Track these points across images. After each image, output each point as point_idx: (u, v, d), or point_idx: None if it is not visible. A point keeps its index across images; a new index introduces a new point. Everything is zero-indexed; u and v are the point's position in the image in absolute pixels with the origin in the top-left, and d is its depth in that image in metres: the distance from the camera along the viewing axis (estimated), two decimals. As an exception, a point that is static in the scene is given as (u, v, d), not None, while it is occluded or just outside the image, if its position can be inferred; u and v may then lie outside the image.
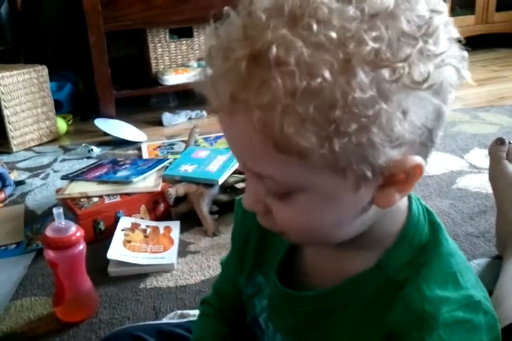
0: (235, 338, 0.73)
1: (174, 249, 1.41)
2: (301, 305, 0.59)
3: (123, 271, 1.33)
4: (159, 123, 2.51)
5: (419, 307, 0.50)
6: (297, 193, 0.48)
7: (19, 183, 1.90)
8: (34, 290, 1.29)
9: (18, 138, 2.28)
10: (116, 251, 1.36)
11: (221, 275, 0.80)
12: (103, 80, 2.43)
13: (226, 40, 0.45)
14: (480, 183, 1.67)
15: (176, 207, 1.59)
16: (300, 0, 0.42)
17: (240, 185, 1.70)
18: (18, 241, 1.51)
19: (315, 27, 0.41)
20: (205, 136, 2.20)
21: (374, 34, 0.41)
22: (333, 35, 0.41)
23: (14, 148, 2.27)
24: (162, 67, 2.67)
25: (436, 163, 1.81)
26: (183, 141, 2.16)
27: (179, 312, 1.11)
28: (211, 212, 1.56)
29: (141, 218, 1.55)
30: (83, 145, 2.24)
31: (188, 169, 1.67)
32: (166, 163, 1.75)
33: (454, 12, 3.11)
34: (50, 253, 1.11)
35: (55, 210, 1.10)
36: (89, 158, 2.14)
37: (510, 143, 1.28)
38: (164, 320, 1.10)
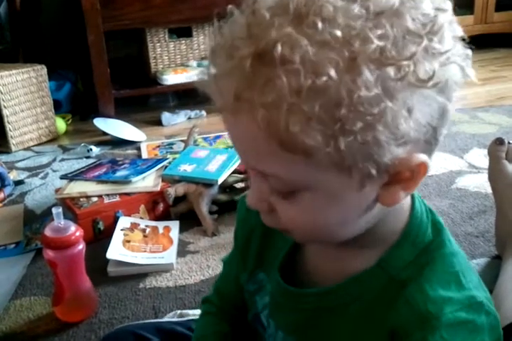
0: (237, 336, 0.74)
1: (173, 248, 1.41)
2: (303, 303, 0.59)
3: (122, 271, 1.33)
4: (158, 122, 2.51)
5: (422, 307, 0.50)
6: (302, 192, 0.48)
7: (18, 183, 1.90)
8: (33, 290, 1.29)
9: (17, 137, 2.27)
10: (116, 250, 1.36)
11: (223, 273, 0.80)
12: (102, 80, 2.43)
13: (230, 39, 0.44)
14: (479, 183, 1.67)
15: (175, 207, 1.59)
16: None
17: (240, 185, 1.70)
18: (17, 241, 1.51)
19: (320, 25, 0.41)
20: (205, 135, 2.20)
21: (379, 32, 0.42)
22: (338, 33, 0.41)
23: (13, 148, 2.26)
24: (161, 66, 2.67)
25: (436, 163, 1.81)
26: (182, 141, 2.16)
27: (178, 312, 1.11)
28: (210, 212, 1.56)
29: (141, 218, 1.55)
30: (82, 144, 2.24)
31: (187, 169, 1.66)
32: (165, 163, 1.75)
33: (453, 12, 3.11)
34: (49, 253, 1.11)
35: (54, 210, 1.10)
36: (88, 157, 2.14)
37: (509, 143, 1.28)
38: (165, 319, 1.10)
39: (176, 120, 2.52)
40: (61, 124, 2.47)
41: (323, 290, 0.58)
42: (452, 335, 0.49)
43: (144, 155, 2.11)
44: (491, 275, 1.12)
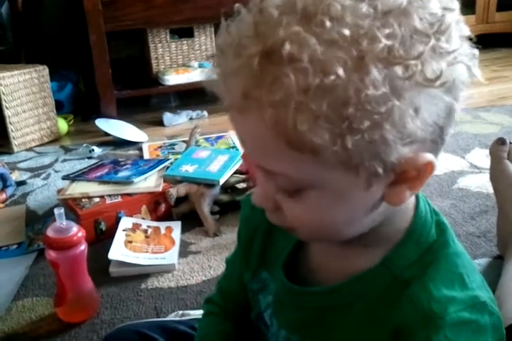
0: (240, 336, 0.74)
1: (175, 249, 1.41)
2: (307, 301, 0.60)
3: (124, 272, 1.33)
4: (160, 123, 2.51)
5: (426, 306, 0.50)
6: (308, 190, 0.48)
7: (20, 183, 1.91)
8: (35, 291, 1.29)
9: (19, 138, 2.28)
10: (118, 251, 1.36)
11: (226, 272, 0.80)
12: (104, 80, 2.44)
13: (237, 37, 0.44)
14: (481, 183, 1.67)
15: (177, 208, 1.59)
16: None
17: (241, 185, 1.70)
18: (19, 242, 1.51)
19: (328, 24, 0.41)
20: (206, 136, 2.20)
21: (387, 31, 0.42)
22: (347, 32, 0.41)
23: (15, 149, 2.27)
24: (163, 67, 2.67)
25: (437, 163, 1.80)
26: (184, 141, 2.16)
27: (180, 312, 1.11)
28: (212, 212, 1.56)
29: (142, 218, 1.55)
30: (84, 145, 2.24)
31: (189, 169, 1.67)
32: (167, 163, 1.76)
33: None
34: (51, 254, 1.11)
35: (56, 210, 1.10)
36: (90, 158, 2.14)
37: (511, 143, 1.28)
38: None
39: (177, 120, 2.52)
40: (63, 125, 2.47)
41: (327, 288, 0.58)
42: (456, 335, 0.49)
43: (146, 155, 2.11)
44: (492, 276, 1.12)
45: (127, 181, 1.60)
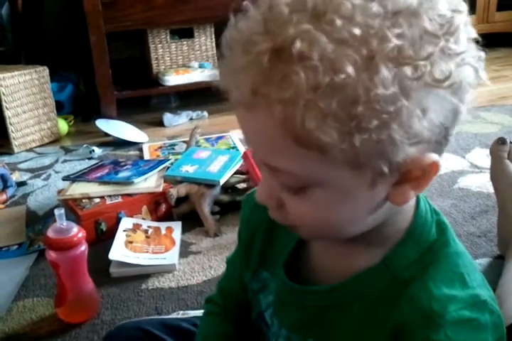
0: (240, 336, 0.74)
1: (176, 249, 1.41)
2: (308, 300, 0.60)
3: (125, 272, 1.33)
4: (160, 123, 2.51)
5: (426, 305, 0.50)
6: (313, 188, 0.48)
7: (21, 184, 1.91)
8: (36, 291, 1.29)
9: (19, 139, 2.28)
10: (118, 251, 1.36)
11: (226, 272, 0.80)
12: (104, 81, 2.44)
13: (246, 34, 0.45)
14: (481, 183, 1.67)
15: (177, 208, 1.59)
16: None
17: (241, 186, 1.70)
18: (20, 242, 1.51)
19: (338, 23, 0.41)
20: (206, 136, 2.21)
21: (397, 31, 0.42)
22: (357, 31, 0.41)
23: (16, 149, 2.27)
24: (163, 67, 2.67)
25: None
26: (184, 142, 2.16)
27: (181, 312, 1.11)
28: (213, 213, 1.56)
29: (143, 219, 1.55)
30: (84, 146, 2.25)
31: (189, 169, 1.67)
32: (167, 164, 1.76)
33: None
34: (51, 254, 1.11)
35: (56, 211, 1.10)
36: (90, 158, 2.14)
37: (511, 142, 1.28)
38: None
39: (177, 121, 2.52)
40: (63, 125, 2.48)
41: (328, 287, 0.58)
42: (456, 333, 0.49)
43: (146, 156, 2.11)
44: (493, 275, 1.12)
45: (127, 181, 1.60)
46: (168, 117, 2.52)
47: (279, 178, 0.49)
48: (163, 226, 1.53)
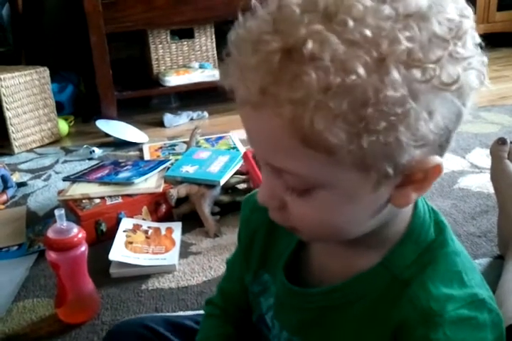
0: (241, 338, 0.74)
1: (176, 250, 1.41)
2: (308, 302, 0.60)
3: (125, 272, 1.33)
4: (161, 124, 2.52)
5: (425, 304, 0.51)
6: (317, 190, 0.48)
7: (21, 185, 1.91)
8: (36, 292, 1.29)
9: (19, 139, 2.28)
10: (118, 252, 1.36)
11: (227, 274, 0.80)
12: (104, 81, 2.44)
13: (255, 33, 0.44)
14: (481, 183, 1.67)
15: (177, 208, 1.59)
16: None
17: (242, 186, 1.70)
18: (20, 243, 1.51)
19: (350, 24, 0.41)
20: (207, 136, 2.21)
21: (408, 34, 0.42)
22: (368, 32, 0.41)
23: (16, 150, 2.27)
24: (163, 68, 2.67)
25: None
26: (184, 142, 2.16)
27: (181, 313, 1.11)
28: (213, 213, 1.56)
29: (143, 219, 1.55)
30: (85, 146, 2.25)
31: (189, 170, 1.67)
32: (167, 164, 1.76)
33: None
34: (51, 255, 1.11)
35: (56, 212, 1.10)
36: (90, 159, 2.15)
37: (511, 142, 1.28)
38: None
39: (178, 121, 2.52)
40: (63, 126, 2.48)
41: (328, 289, 0.58)
42: (455, 332, 0.50)
43: (146, 156, 2.11)
44: (493, 276, 1.12)
45: (128, 182, 1.60)
46: (168, 117, 2.52)
47: (283, 179, 0.49)
48: (163, 226, 1.53)
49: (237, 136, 2.18)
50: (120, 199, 1.55)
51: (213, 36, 2.69)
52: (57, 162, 2.16)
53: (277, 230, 0.65)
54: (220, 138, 2.20)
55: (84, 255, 1.14)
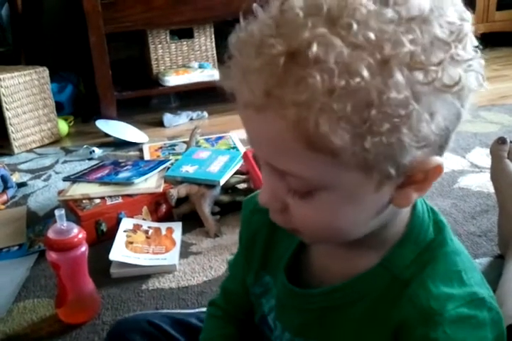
0: (243, 339, 0.74)
1: (176, 249, 1.41)
2: (309, 303, 0.60)
3: (125, 272, 1.33)
4: (160, 124, 2.51)
5: (425, 304, 0.51)
6: (320, 191, 0.48)
7: (21, 185, 1.91)
8: (37, 292, 1.29)
9: (19, 139, 2.28)
10: (119, 252, 1.36)
11: (229, 275, 0.80)
12: (104, 81, 2.44)
13: (258, 36, 0.45)
14: (482, 182, 1.67)
15: (177, 208, 1.59)
16: (338, 0, 0.43)
17: (242, 186, 1.70)
18: (20, 243, 1.51)
19: (354, 27, 0.42)
20: (207, 136, 2.21)
21: (410, 37, 0.43)
22: (372, 36, 0.42)
23: (16, 150, 2.27)
24: (163, 68, 2.67)
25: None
26: (184, 142, 2.16)
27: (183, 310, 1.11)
28: (213, 213, 1.56)
29: (143, 219, 1.55)
30: (84, 146, 2.25)
31: (189, 170, 1.67)
32: (167, 164, 1.76)
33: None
34: (52, 255, 1.11)
35: (57, 212, 1.10)
36: (90, 159, 2.14)
37: (511, 142, 1.28)
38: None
39: (177, 121, 2.52)
40: (63, 126, 2.48)
41: (329, 289, 0.58)
42: (455, 331, 0.50)
43: (146, 156, 2.11)
44: (493, 275, 1.12)
45: (128, 182, 1.60)
46: (168, 117, 2.52)
47: (285, 182, 0.49)
48: (163, 226, 1.53)
49: (237, 135, 2.18)
50: (120, 200, 1.55)
51: (213, 36, 2.69)
52: (57, 162, 2.16)
53: (278, 232, 0.65)
54: (220, 138, 2.20)
55: (85, 255, 1.14)
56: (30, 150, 2.31)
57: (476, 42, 0.48)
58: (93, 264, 1.20)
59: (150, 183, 1.62)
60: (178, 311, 1.08)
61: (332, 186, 0.47)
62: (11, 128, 2.23)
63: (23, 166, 2.14)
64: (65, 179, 1.76)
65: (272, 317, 0.66)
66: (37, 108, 2.33)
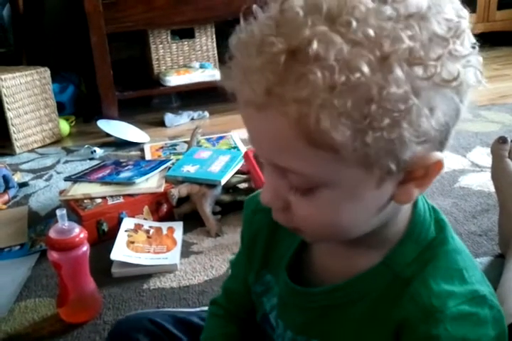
0: (245, 338, 0.74)
1: (177, 249, 1.42)
2: (310, 301, 0.60)
3: (126, 272, 1.33)
4: (162, 124, 2.52)
5: (426, 301, 0.51)
6: (321, 188, 0.48)
7: (22, 185, 1.91)
8: (38, 292, 1.29)
9: (21, 140, 2.28)
10: (120, 252, 1.36)
11: (231, 274, 0.81)
12: (105, 82, 2.44)
13: (259, 36, 0.45)
14: (482, 182, 1.67)
15: (178, 208, 1.59)
16: None
17: (243, 185, 1.70)
18: (21, 243, 1.51)
19: (353, 24, 0.42)
20: (208, 136, 2.21)
21: (409, 33, 0.43)
22: (371, 32, 0.42)
23: (17, 150, 2.27)
24: (164, 68, 2.67)
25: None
26: (185, 142, 2.17)
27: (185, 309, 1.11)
28: (214, 213, 1.56)
29: (144, 219, 1.56)
30: (86, 146, 2.25)
31: (190, 170, 1.67)
32: (168, 164, 1.76)
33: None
34: (53, 255, 1.11)
35: (58, 212, 1.10)
36: (92, 159, 2.15)
37: (512, 141, 1.28)
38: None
39: (179, 121, 2.53)
40: (65, 126, 2.48)
41: (330, 288, 0.58)
42: (456, 328, 0.50)
43: (148, 156, 2.12)
44: (494, 274, 1.12)
45: (129, 182, 1.61)
46: (169, 117, 2.52)
47: (287, 179, 0.49)
48: (164, 226, 1.53)
49: (238, 135, 2.19)
50: (121, 199, 1.55)
51: (214, 36, 2.70)
52: (58, 162, 2.17)
53: (279, 231, 0.65)
54: (221, 137, 2.21)
55: (86, 255, 1.14)
56: (32, 150, 2.32)
57: (473, 40, 0.48)
58: (94, 264, 1.20)
59: (151, 183, 1.62)
60: (180, 310, 1.08)
61: (333, 183, 0.47)
62: (12, 129, 2.24)
63: (24, 166, 2.14)
64: (67, 179, 1.76)
65: (274, 316, 0.66)
66: (38, 108, 2.34)
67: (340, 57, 0.42)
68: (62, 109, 2.55)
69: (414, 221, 0.56)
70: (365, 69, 0.42)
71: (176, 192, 1.56)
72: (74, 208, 1.51)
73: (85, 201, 1.54)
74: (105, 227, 1.48)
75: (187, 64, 2.69)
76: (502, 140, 1.28)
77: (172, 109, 2.65)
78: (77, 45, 2.71)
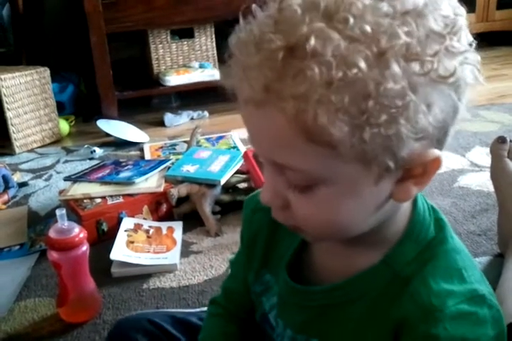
0: (245, 337, 0.74)
1: (177, 249, 1.42)
2: (310, 300, 0.60)
3: (126, 272, 1.33)
4: (161, 123, 2.52)
5: (425, 300, 0.51)
6: (320, 186, 0.48)
7: (22, 185, 1.91)
8: (38, 292, 1.29)
9: (20, 139, 2.28)
10: (120, 251, 1.36)
11: (230, 273, 0.81)
12: (105, 81, 2.44)
13: (258, 34, 0.45)
14: (481, 181, 1.67)
15: (178, 208, 1.59)
16: None
17: (242, 185, 1.70)
18: (21, 243, 1.51)
19: (350, 21, 0.43)
20: (207, 136, 2.21)
21: (406, 29, 0.43)
22: (368, 29, 0.42)
23: (17, 150, 2.27)
24: (164, 67, 2.68)
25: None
26: (185, 142, 2.17)
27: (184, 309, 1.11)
28: (213, 212, 1.56)
29: (144, 219, 1.56)
30: (85, 146, 2.25)
31: (190, 169, 1.67)
32: (168, 164, 1.76)
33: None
34: (53, 255, 1.12)
35: (58, 211, 1.10)
36: (91, 159, 2.15)
37: (511, 141, 1.28)
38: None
39: (178, 121, 2.53)
40: (64, 126, 2.48)
41: (330, 286, 0.59)
42: (455, 327, 0.50)
43: (147, 156, 2.12)
44: (493, 274, 1.12)
45: (129, 182, 1.61)
46: (169, 117, 2.52)
47: (285, 176, 0.50)
48: (164, 226, 1.53)
49: (238, 135, 2.19)
50: (121, 199, 1.55)
51: (213, 36, 2.70)
52: (58, 162, 2.17)
53: (279, 231, 0.65)
54: (221, 137, 2.21)
55: (86, 254, 1.14)
56: (32, 150, 2.32)
57: (471, 38, 0.48)
58: (94, 264, 1.20)
59: (151, 183, 1.63)
60: (179, 310, 1.08)
61: (331, 179, 0.48)
62: (12, 128, 2.24)
63: (24, 166, 2.14)
64: (66, 179, 1.76)
65: (274, 315, 0.66)
66: (38, 108, 2.34)
67: (337, 53, 0.42)
68: (61, 109, 2.56)
69: (414, 220, 0.56)
70: (362, 64, 0.42)
71: (176, 191, 1.56)
72: (73, 208, 1.51)
73: (85, 201, 1.54)
74: (105, 227, 1.49)
75: (186, 64, 2.69)
76: (501, 140, 1.28)
77: (172, 109, 2.65)
78: (77, 45, 2.71)
